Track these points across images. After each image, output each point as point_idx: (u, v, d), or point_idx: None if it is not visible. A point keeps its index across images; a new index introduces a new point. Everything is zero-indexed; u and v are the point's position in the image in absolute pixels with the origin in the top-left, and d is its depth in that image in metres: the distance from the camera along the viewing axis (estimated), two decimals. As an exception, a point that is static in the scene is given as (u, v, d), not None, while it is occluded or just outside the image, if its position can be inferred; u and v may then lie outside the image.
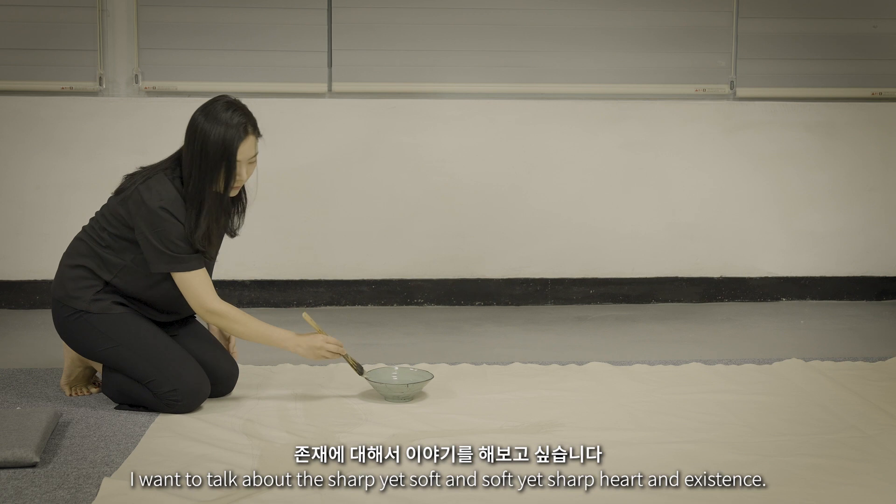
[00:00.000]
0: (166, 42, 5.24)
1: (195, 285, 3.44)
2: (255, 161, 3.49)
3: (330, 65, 5.32)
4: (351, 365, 3.66)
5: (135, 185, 3.43)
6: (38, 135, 5.22)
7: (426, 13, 5.34)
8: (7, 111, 5.20)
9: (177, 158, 3.48)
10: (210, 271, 3.59)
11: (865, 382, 3.94)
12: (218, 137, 3.36)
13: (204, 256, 3.48)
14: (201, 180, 3.39)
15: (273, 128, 5.25)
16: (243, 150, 3.41)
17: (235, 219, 3.63)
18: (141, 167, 3.54)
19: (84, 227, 3.59)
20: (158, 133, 5.14)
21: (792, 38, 5.50)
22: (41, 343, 4.47)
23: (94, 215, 3.57)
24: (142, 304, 3.53)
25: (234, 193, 3.50)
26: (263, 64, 5.30)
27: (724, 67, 5.50)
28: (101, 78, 5.23)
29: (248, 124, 3.43)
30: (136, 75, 5.25)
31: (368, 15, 5.31)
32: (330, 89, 5.34)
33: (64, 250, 3.60)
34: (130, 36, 5.24)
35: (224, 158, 3.38)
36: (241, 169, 3.43)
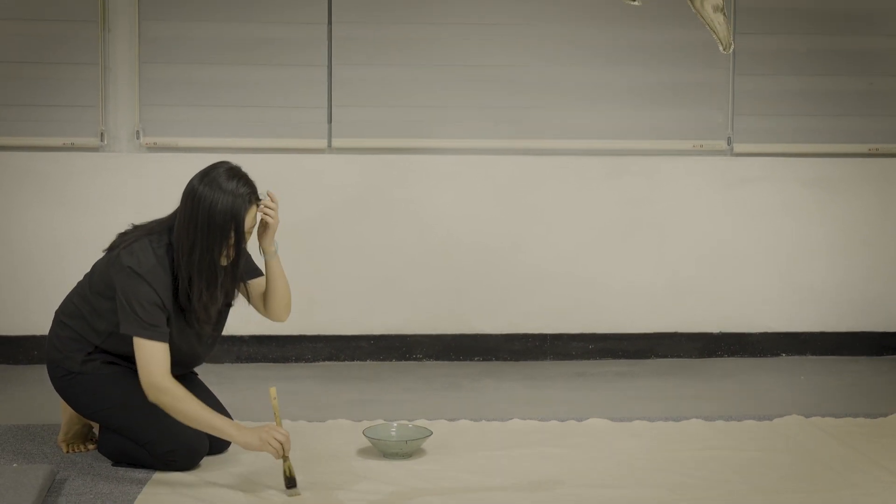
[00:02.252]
0: (168, 98, 5.28)
1: (150, 355, 3.29)
2: (252, 231, 3.44)
3: (330, 121, 5.35)
4: (284, 472, 3.26)
5: (119, 249, 3.40)
6: (38, 190, 5.24)
7: (425, 70, 5.39)
8: (8, 166, 5.22)
9: (168, 225, 3.42)
10: (211, 347, 3.58)
11: (867, 439, 3.93)
12: (226, 206, 3.29)
13: (200, 330, 3.43)
14: (209, 251, 3.31)
15: (273, 183, 5.24)
16: (248, 220, 3.37)
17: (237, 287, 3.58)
18: (134, 225, 3.53)
19: (77, 284, 3.58)
20: (159, 188, 5.15)
21: (788, 95, 5.55)
22: (38, 399, 4.45)
23: (87, 272, 3.56)
24: (134, 363, 3.44)
25: (242, 258, 3.45)
26: (264, 120, 5.33)
27: (721, 123, 5.54)
28: (102, 134, 5.26)
29: (253, 194, 3.38)
30: (138, 131, 5.28)
31: (368, 72, 5.36)
32: (329, 145, 5.37)
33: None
34: (132, 92, 5.28)
35: (232, 228, 3.31)
36: (248, 237, 3.41)
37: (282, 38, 5.31)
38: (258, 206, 3.43)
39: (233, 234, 3.32)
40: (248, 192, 3.36)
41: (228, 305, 3.59)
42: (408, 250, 5.43)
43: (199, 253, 3.32)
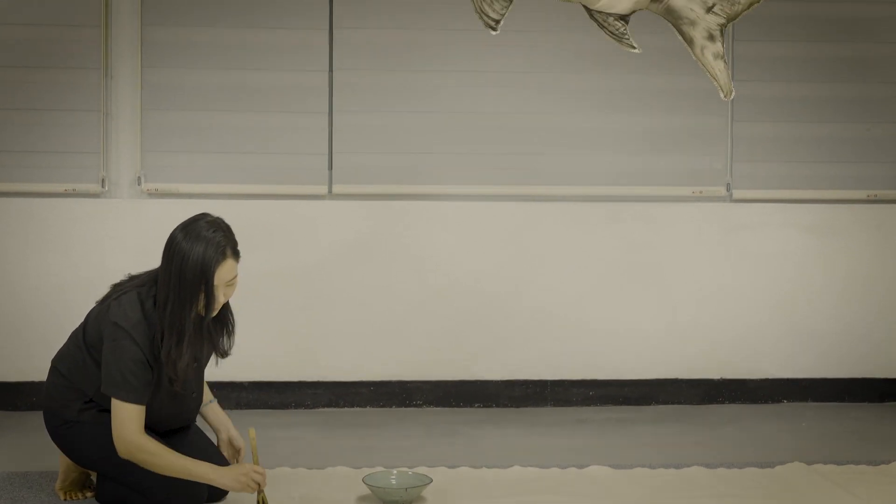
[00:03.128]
0: (169, 144, 5.30)
1: (124, 416, 3.26)
2: (235, 283, 3.38)
3: (330, 167, 5.37)
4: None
5: (109, 300, 3.38)
6: (39, 236, 5.25)
7: (424, 116, 5.42)
8: (9, 212, 5.24)
9: (155, 276, 3.39)
10: (196, 407, 3.56)
11: (869, 486, 3.91)
12: (196, 260, 3.24)
13: (172, 386, 3.37)
14: (181, 306, 3.26)
15: (273, 229, 5.32)
16: (221, 274, 3.29)
17: (224, 340, 3.53)
18: (129, 275, 3.52)
19: (72, 333, 3.56)
20: (159, 235, 5.11)
21: (787, 141, 5.58)
22: (36, 446, 4.42)
23: (82, 322, 3.55)
24: None
25: (212, 314, 3.38)
26: (265, 166, 5.35)
27: (720, 170, 5.56)
28: (103, 180, 5.28)
29: (228, 246, 3.31)
30: (139, 177, 5.30)
31: (369, 118, 5.39)
32: (330, 191, 5.39)
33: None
34: (134, 138, 5.30)
35: (202, 282, 3.26)
36: (219, 293, 3.31)
37: (283, 84, 5.34)
38: (237, 259, 3.37)
39: (203, 289, 3.27)
40: (222, 244, 3.30)
41: (200, 365, 3.55)
42: (408, 296, 5.43)
43: (170, 306, 3.27)
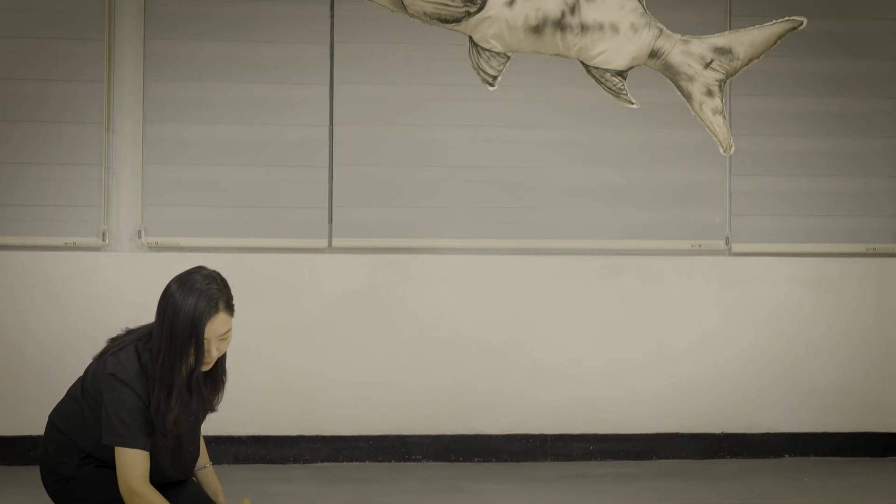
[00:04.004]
0: (170, 198, 5.32)
1: (129, 462, 3.21)
2: (228, 337, 3.32)
3: (330, 220, 5.39)
4: None
5: (107, 355, 3.37)
6: (39, 289, 5.25)
7: (424, 170, 5.45)
8: (9, 265, 5.24)
9: (152, 328, 3.35)
10: (193, 461, 3.53)
11: (873, 542, 3.88)
12: (188, 313, 3.19)
13: (166, 437, 3.31)
14: (171, 359, 3.21)
15: (273, 282, 5.32)
16: (213, 328, 3.23)
17: (214, 395, 3.45)
18: (127, 329, 3.51)
19: (71, 387, 3.54)
20: (159, 288, 5.12)
21: (785, 195, 5.60)
22: (34, 501, 4.39)
23: (80, 376, 3.53)
24: None
25: (205, 369, 3.32)
26: (265, 220, 5.36)
27: (719, 224, 5.58)
28: (104, 233, 5.29)
29: (221, 300, 3.25)
30: (140, 231, 5.31)
31: (369, 172, 5.41)
32: (330, 245, 5.40)
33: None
34: (135, 192, 5.32)
35: (192, 336, 3.20)
36: (211, 346, 3.25)
37: (283, 138, 5.38)
38: (230, 313, 3.31)
39: (192, 343, 3.22)
40: (215, 298, 3.24)
41: (197, 419, 3.52)
42: (408, 349, 5.42)
43: (161, 359, 3.23)
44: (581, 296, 5.51)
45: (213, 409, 3.51)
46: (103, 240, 5.29)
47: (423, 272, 5.45)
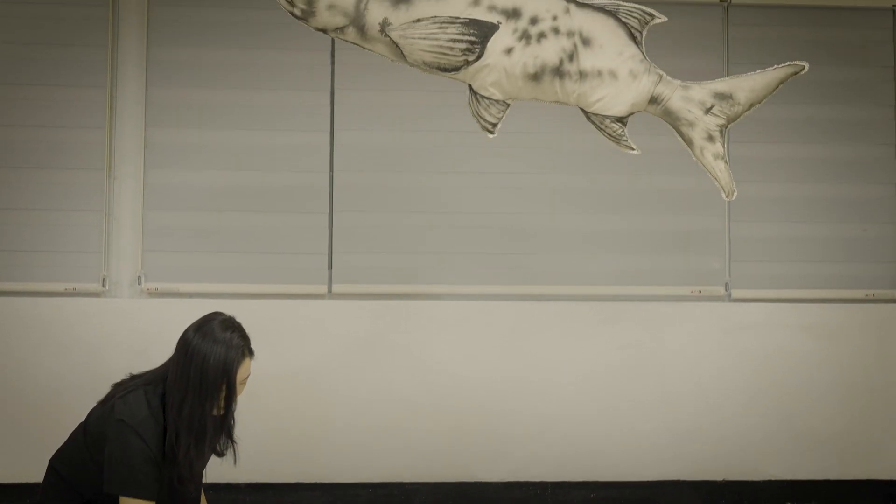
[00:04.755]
0: (170, 245, 5.33)
1: None
2: (246, 381, 3.39)
3: (330, 266, 5.39)
4: None
5: (114, 399, 3.36)
6: (38, 334, 5.24)
7: (424, 216, 5.46)
8: (9, 311, 5.23)
9: (163, 375, 3.37)
10: (197, 500, 3.51)
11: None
12: (219, 360, 3.25)
13: (183, 490, 3.33)
14: (201, 405, 3.26)
15: (273, 329, 5.31)
16: (241, 373, 3.31)
17: (224, 440, 3.50)
18: (131, 374, 3.49)
19: (72, 433, 3.53)
20: (159, 334, 5.14)
21: (784, 241, 5.61)
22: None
23: (82, 421, 3.52)
24: None
25: (233, 413, 3.39)
26: (265, 266, 5.37)
27: (719, 270, 5.58)
28: (104, 279, 5.29)
29: (246, 346, 3.34)
30: (139, 277, 5.31)
31: (369, 218, 5.42)
32: (330, 291, 5.40)
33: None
34: (135, 238, 5.33)
35: (224, 381, 3.26)
36: (239, 391, 3.34)
37: (284, 184, 5.39)
38: (252, 357, 3.38)
39: (224, 389, 3.28)
40: (241, 345, 3.32)
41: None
42: (407, 396, 5.40)
43: (188, 407, 3.25)
44: (581, 342, 5.50)
45: (221, 454, 3.51)
46: (103, 285, 5.29)
47: (423, 318, 5.45)
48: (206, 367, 3.25)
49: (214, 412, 3.30)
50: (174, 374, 3.30)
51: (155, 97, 5.37)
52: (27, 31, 5.31)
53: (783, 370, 5.57)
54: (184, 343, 3.31)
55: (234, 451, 3.53)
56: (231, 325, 3.34)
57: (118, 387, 3.43)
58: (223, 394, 3.28)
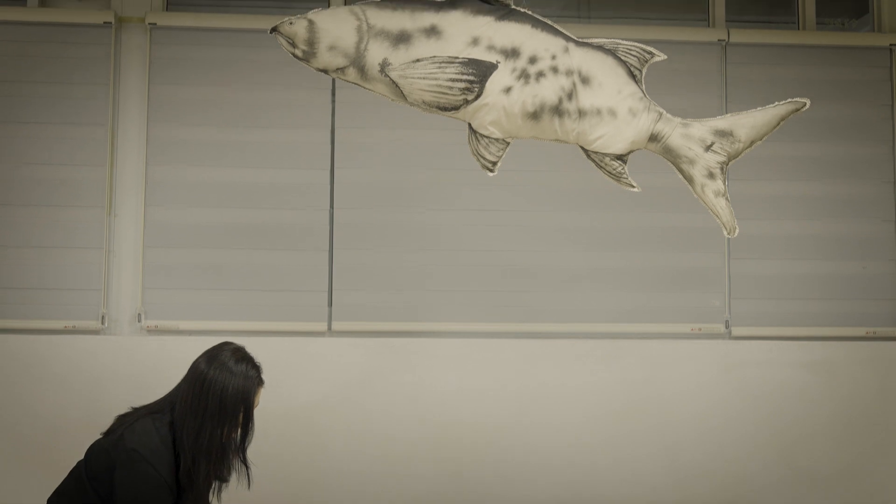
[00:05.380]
0: (170, 282, 5.33)
1: None
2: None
3: (330, 304, 5.39)
4: None
5: (122, 429, 3.36)
6: (38, 372, 5.22)
7: (424, 254, 5.46)
8: (9, 348, 5.22)
9: (169, 404, 3.40)
10: None
11: None
12: (238, 388, 3.33)
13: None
14: (220, 432, 3.31)
15: (273, 366, 5.24)
16: (257, 400, 3.40)
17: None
18: (133, 408, 3.49)
19: (73, 469, 3.51)
20: (158, 371, 5.11)
21: (784, 279, 5.61)
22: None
23: (83, 456, 3.50)
24: None
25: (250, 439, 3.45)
26: (265, 303, 5.37)
27: (719, 307, 5.58)
28: (103, 317, 5.28)
29: (260, 374, 3.42)
30: (139, 314, 5.31)
31: (368, 255, 5.43)
32: (330, 328, 5.39)
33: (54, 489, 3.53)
34: (135, 276, 5.33)
35: (242, 409, 3.34)
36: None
37: (284, 222, 5.40)
38: (262, 387, 3.44)
39: (241, 416, 3.34)
40: (255, 373, 3.40)
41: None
42: (407, 433, 5.37)
43: (207, 435, 3.29)
44: (581, 379, 5.48)
45: (226, 480, 3.52)
46: (103, 323, 5.29)
47: (423, 356, 5.43)
48: (225, 396, 3.31)
49: (236, 438, 3.37)
50: (188, 403, 3.33)
51: (156, 135, 5.39)
52: (29, 70, 5.34)
53: (784, 407, 5.56)
54: (198, 373, 3.36)
55: (249, 475, 3.55)
56: (243, 356, 3.42)
57: (122, 419, 3.44)
58: (239, 421, 3.35)
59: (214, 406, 3.30)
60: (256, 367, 3.42)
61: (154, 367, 5.20)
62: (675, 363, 5.53)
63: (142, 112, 5.40)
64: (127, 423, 3.37)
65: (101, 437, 3.46)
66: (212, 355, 3.39)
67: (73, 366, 5.24)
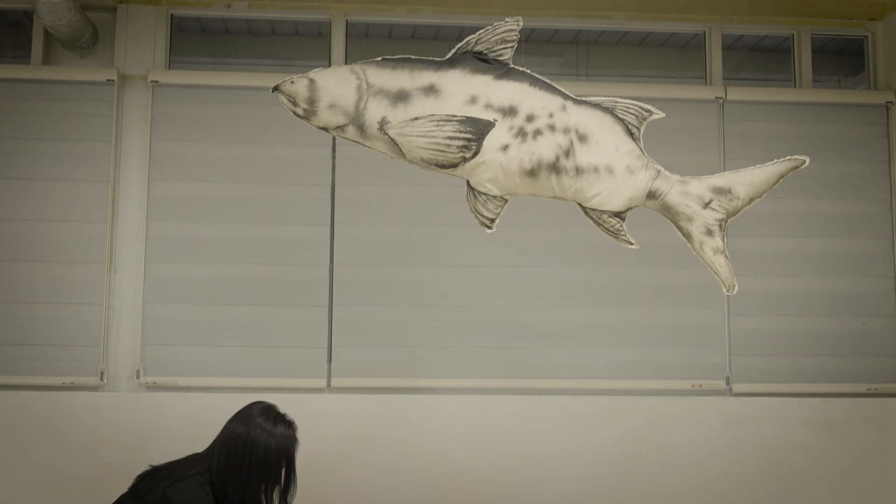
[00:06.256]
0: (169, 338, 5.32)
1: None
2: None
3: (329, 360, 5.38)
4: None
5: (161, 489, 3.36)
6: (37, 428, 5.20)
7: (424, 310, 5.46)
8: (8, 405, 5.20)
9: (205, 466, 3.43)
10: None
11: None
12: (280, 448, 3.41)
13: None
14: (264, 488, 3.40)
15: (271, 423, 5.27)
16: (296, 455, 3.49)
17: None
18: (152, 466, 3.49)
19: None
20: (156, 428, 5.13)
21: (784, 335, 5.60)
22: None
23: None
24: None
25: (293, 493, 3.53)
26: (264, 360, 5.36)
27: (719, 364, 5.56)
28: (102, 373, 5.27)
29: (295, 433, 3.49)
30: (138, 371, 5.30)
31: (368, 311, 5.43)
32: (329, 384, 5.38)
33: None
34: (135, 332, 5.33)
35: (284, 465, 3.43)
36: None
37: (283, 278, 5.41)
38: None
39: (284, 471, 3.43)
40: (293, 432, 3.48)
41: None
42: (407, 490, 5.34)
43: (253, 490, 3.39)
44: (582, 436, 5.45)
45: None
46: (102, 379, 5.27)
47: (423, 412, 5.41)
48: (269, 455, 3.41)
49: (274, 492, 3.46)
50: (231, 462, 3.42)
51: (157, 191, 5.41)
52: (32, 127, 5.38)
53: (785, 464, 5.52)
54: (239, 436, 3.44)
55: None
56: (278, 415, 3.51)
57: (151, 479, 3.42)
58: (281, 479, 3.44)
59: (259, 463, 3.40)
60: (292, 425, 3.50)
61: (153, 424, 5.19)
62: (676, 419, 5.51)
63: (143, 168, 5.43)
64: (163, 484, 3.37)
65: (127, 495, 3.45)
66: (248, 417, 3.47)
67: (72, 422, 5.22)
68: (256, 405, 3.51)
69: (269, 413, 3.48)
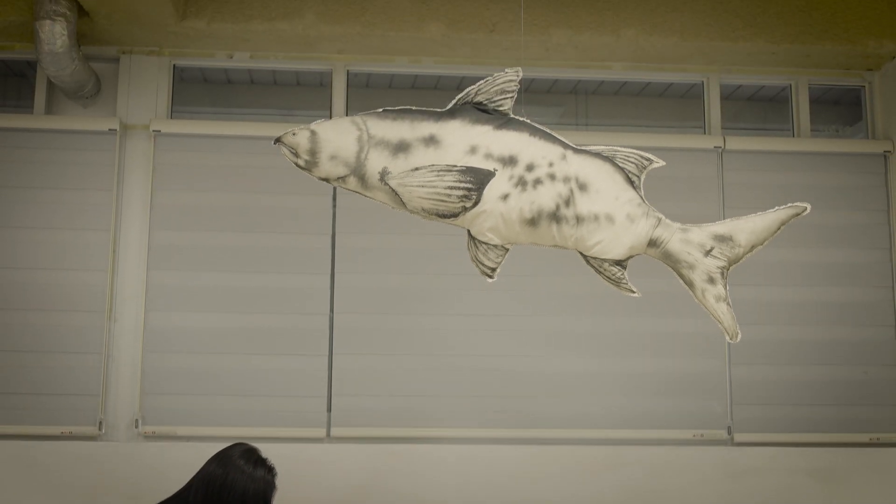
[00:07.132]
0: (168, 387, 5.31)
1: None
2: None
3: (329, 409, 5.36)
4: None
5: None
6: (32, 480, 5.17)
7: (424, 359, 5.45)
8: (5, 454, 5.17)
9: (183, 499, 3.40)
10: None
11: None
12: (258, 491, 3.38)
13: None
14: None
15: (270, 473, 5.23)
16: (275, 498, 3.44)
17: None
18: None
19: None
20: (155, 477, 5.09)
21: (786, 384, 5.58)
22: None
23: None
24: None
25: None
26: (263, 409, 5.33)
27: (721, 413, 5.54)
28: (101, 423, 5.25)
29: (275, 479, 3.47)
30: (137, 420, 5.27)
31: (368, 360, 5.41)
32: (329, 434, 5.35)
33: None
34: (134, 381, 5.31)
35: None
36: None
37: (283, 328, 5.40)
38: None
39: None
40: (272, 478, 3.45)
41: None
42: (406, 543, 5.30)
43: None
44: (583, 486, 5.42)
45: None
46: (100, 429, 5.25)
47: (424, 462, 5.38)
48: (246, 498, 3.37)
49: None
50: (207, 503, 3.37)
51: (157, 240, 5.42)
52: (34, 176, 5.40)
53: (788, 516, 5.49)
54: (216, 477, 3.39)
55: None
56: (259, 458, 3.47)
57: None
58: None
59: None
60: (272, 470, 3.47)
61: (152, 473, 5.15)
62: (677, 469, 5.47)
63: (144, 217, 5.44)
64: None
65: None
66: (227, 457, 3.43)
67: (70, 471, 5.19)
68: (237, 447, 3.48)
69: (250, 456, 3.44)
